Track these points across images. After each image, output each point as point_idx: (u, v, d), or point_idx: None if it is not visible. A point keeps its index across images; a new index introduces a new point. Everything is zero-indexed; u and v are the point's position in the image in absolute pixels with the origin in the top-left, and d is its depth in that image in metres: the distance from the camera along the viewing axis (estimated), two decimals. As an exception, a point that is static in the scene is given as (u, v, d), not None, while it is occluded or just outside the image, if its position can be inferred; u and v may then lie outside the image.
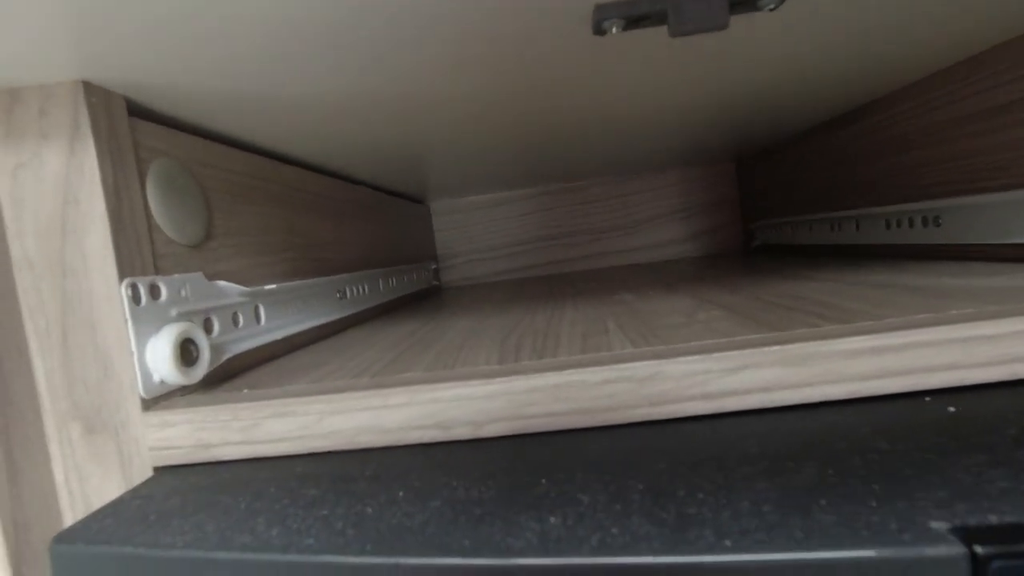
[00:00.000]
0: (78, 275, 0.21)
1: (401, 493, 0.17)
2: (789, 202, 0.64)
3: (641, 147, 0.56)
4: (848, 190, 0.51)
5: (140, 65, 0.20)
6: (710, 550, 0.12)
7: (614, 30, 0.20)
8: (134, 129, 0.23)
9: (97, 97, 0.21)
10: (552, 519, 0.14)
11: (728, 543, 0.12)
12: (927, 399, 0.19)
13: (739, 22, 0.23)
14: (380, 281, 0.52)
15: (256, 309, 0.30)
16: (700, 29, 0.19)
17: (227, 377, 0.27)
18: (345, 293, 0.43)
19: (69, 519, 0.22)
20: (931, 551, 0.11)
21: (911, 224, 0.41)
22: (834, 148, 0.52)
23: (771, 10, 0.20)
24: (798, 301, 0.29)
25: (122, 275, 0.21)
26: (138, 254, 0.22)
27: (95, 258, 0.21)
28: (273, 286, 0.31)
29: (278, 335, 0.31)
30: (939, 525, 0.12)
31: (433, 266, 0.74)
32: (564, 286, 0.56)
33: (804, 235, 0.59)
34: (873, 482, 0.14)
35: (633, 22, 0.20)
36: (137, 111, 0.24)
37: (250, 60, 0.21)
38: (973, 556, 0.11)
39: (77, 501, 0.22)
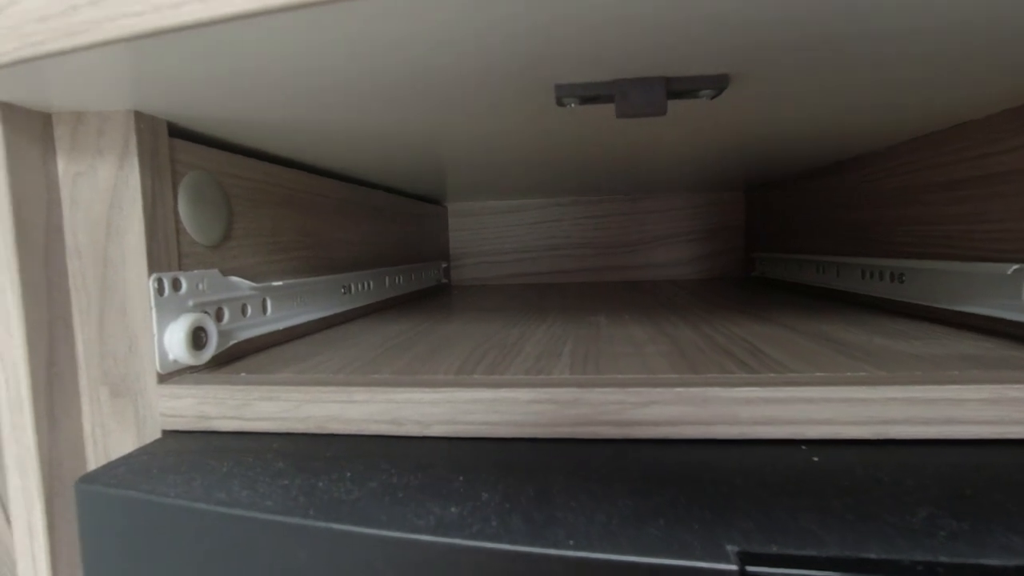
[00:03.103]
0: (116, 267, 0.26)
1: (348, 473, 0.21)
2: (786, 237, 0.66)
3: (652, 173, 0.59)
4: (834, 236, 0.53)
5: (181, 101, 0.25)
6: (554, 546, 0.16)
7: (572, 104, 0.24)
8: (172, 148, 0.28)
9: (144, 123, 0.26)
10: (453, 508, 0.18)
11: (571, 542, 0.16)
12: (804, 447, 0.22)
13: (682, 105, 0.27)
14: (387, 278, 0.57)
15: (264, 302, 0.35)
16: (641, 114, 0.22)
17: (234, 359, 0.32)
18: (350, 289, 0.48)
19: (92, 463, 0.27)
20: (708, 565, 0.14)
21: (881, 278, 0.43)
22: (824, 193, 0.55)
23: (710, 98, 0.24)
24: (738, 344, 0.32)
25: (151, 270, 0.26)
26: (166, 253, 0.27)
27: (131, 254, 0.26)
28: (280, 283, 0.36)
29: (280, 326, 0.36)
30: (732, 548, 0.15)
31: (444, 265, 0.78)
32: (556, 298, 0.59)
33: (794, 273, 0.61)
34: (710, 510, 0.17)
35: (587, 100, 0.23)
36: (176, 132, 0.28)
37: (277, 105, 0.26)
38: (744, 574, 0.14)
39: (99, 450, 0.27)
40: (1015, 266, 0.29)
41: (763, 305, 0.49)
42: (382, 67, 0.21)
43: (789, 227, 0.65)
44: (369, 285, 0.52)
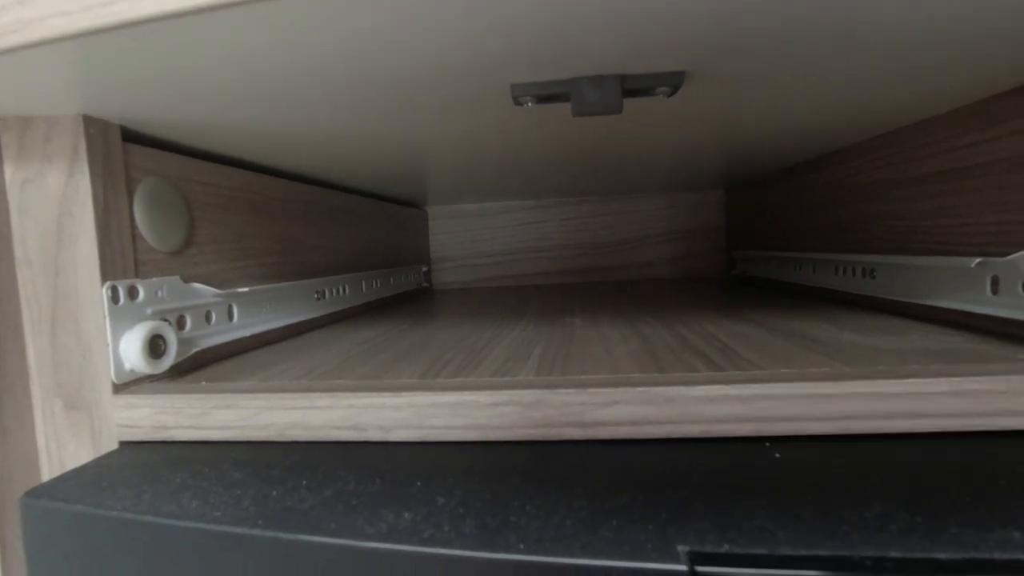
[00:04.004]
0: (68, 275, 0.25)
1: (304, 482, 0.21)
2: (765, 235, 0.66)
3: (632, 174, 0.58)
4: (811, 233, 0.53)
5: (131, 104, 0.24)
6: (504, 551, 0.15)
7: (528, 104, 0.24)
8: (127, 152, 0.27)
9: (95, 128, 0.25)
10: (407, 514, 0.18)
11: (522, 546, 0.15)
12: (768, 444, 0.22)
13: (642, 103, 0.27)
14: (363, 283, 0.56)
15: (230, 308, 0.34)
16: (597, 112, 0.22)
17: (198, 366, 0.31)
18: (324, 294, 0.47)
19: (46, 476, 0.26)
20: (657, 566, 0.14)
21: (853, 273, 0.44)
22: (801, 191, 0.55)
23: (667, 96, 0.23)
24: (710, 343, 0.32)
25: (104, 278, 0.25)
26: (121, 260, 0.26)
27: (83, 262, 0.25)
28: (246, 289, 0.35)
29: (247, 332, 0.35)
30: (683, 548, 0.15)
31: (424, 269, 0.78)
32: (536, 301, 0.59)
33: (774, 270, 0.61)
34: (667, 510, 0.17)
35: (543, 99, 0.23)
36: (133, 137, 0.28)
37: (232, 108, 0.25)
38: (693, 574, 0.14)
39: (54, 463, 0.26)
40: (978, 259, 0.29)
41: (740, 304, 0.49)
42: (326, 69, 0.21)
43: (768, 225, 0.65)
44: (344, 290, 0.51)
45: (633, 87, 0.22)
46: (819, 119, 0.34)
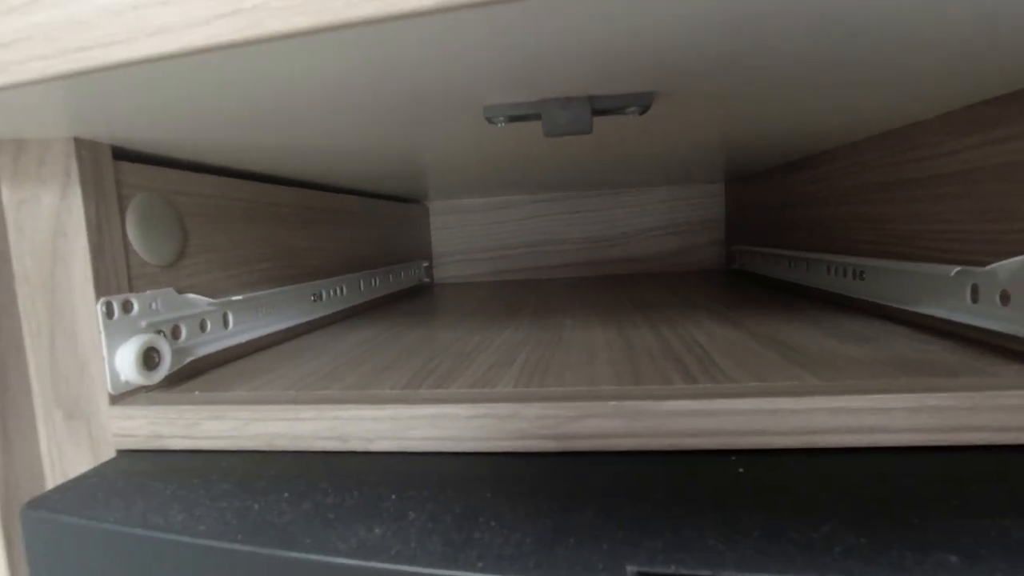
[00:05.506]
0: (64, 292, 0.26)
1: (286, 494, 0.22)
2: (762, 230, 0.66)
3: (630, 169, 0.58)
4: (805, 231, 0.53)
5: (121, 128, 0.25)
6: (464, 568, 0.16)
7: (501, 123, 0.24)
8: (118, 170, 0.28)
9: (86, 150, 0.26)
10: (377, 530, 0.19)
11: (481, 564, 0.16)
12: (733, 458, 0.23)
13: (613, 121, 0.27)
14: (361, 282, 0.57)
15: (225, 316, 0.35)
16: (568, 132, 0.23)
17: (194, 374, 0.32)
18: (321, 296, 0.48)
19: (50, 484, 0.27)
20: (603, 587, 0.15)
21: (844, 274, 0.44)
22: (796, 188, 0.55)
23: (638, 115, 0.24)
24: (691, 350, 0.32)
25: (99, 295, 0.26)
26: (114, 276, 0.27)
27: (78, 280, 0.26)
28: (240, 296, 0.36)
29: (243, 339, 0.36)
30: (632, 568, 0.16)
31: (425, 264, 0.79)
32: (532, 297, 0.60)
33: (770, 267, 0.61)
34: (624, 527, 0.18)
35: (514, 119, 0.23)
36: (123, 154, 0.29)
37: (220, 127, 0.26)
38: (638, 594, 0.15)
39: (57, 471, 0.27)
40: (957, 268, 0.30)
41: (731, 303, 0.49)
42: (312, 99, 0.22)
43: (765, 221, 0.65)
44: (342, 290, 0.52)
45: (602, 107, 0.23)
46: (797, 125, 0.34)
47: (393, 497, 0.21)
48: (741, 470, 0.22)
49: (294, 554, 0.18)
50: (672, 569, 0.16)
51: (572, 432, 0.24)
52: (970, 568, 0.15)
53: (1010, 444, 0.22)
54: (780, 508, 0.19)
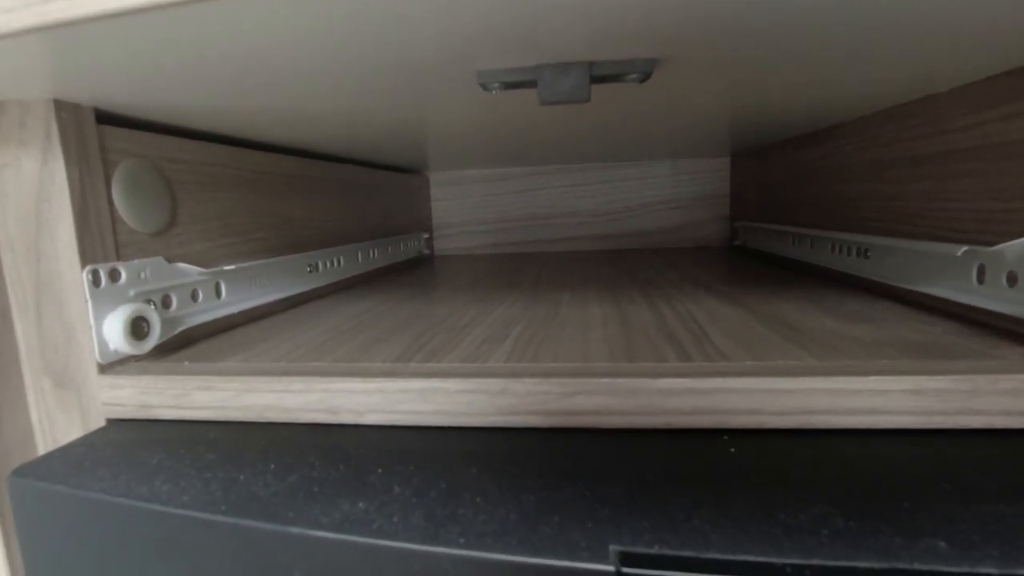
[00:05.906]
0: (49, 260, 0.26)
1: (272, 466, 0.22)
2: (766, 206, 0.65)
3: (634, 140, 0.57)
4: (808, 208, 0.52)
5: (105, 87, 0.24)
6: (444, 544, 0.16)
7: (495, 90, 0.23)
8: (102, 135, 0.27)
9: (67, 112, 0.25)
10: (361, 504, 0.19)
11: (462, 540, 0.16)
12: (725, 437, 0.22)
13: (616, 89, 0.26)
14: (359, 254, 0.56)
15: (217, 285, 0.35)
16: (564, 101, 0.22)
17: (186, 344, 0.32)
18: (317, 267, 0.48)
19: (42, 451, 0.27)
20: (585, 566, 0.15)
21: (848, 252, 0.43)
22: (800, 164, 0.53)
23: (639, 83, 0.23)
24: (687, 326, 0.32)
25: (84, 262, 0.26)
26: (101, 244, 0.27)
27: (63, 247, 0.25)
28: (232, 266, 0.36)
29: (235, 309, 0.36)
30: (615, 547, 0.16)
31: (425, 236, 0.78)
32: (531, 270, 0.59)
33: (774, 244, 0.60)
34: (610, 506, 0.18)
35: (509, 86, 0.22)
36: (107, 118, 0.28)
37: (204, 89, 0.25)
38: (620, 574, 0.15)
39: (48, 440, 0.27)
40: (964, 248, 0.29)
41: (732, 280, 0.49)
42: (295, 56, 0.21)
43: (770, 196, 0.64)
44: (340, 262, 0.52)
45: (601, 74, 0.22)
46: (806, 97, 0.33)
47: (379, 471, 0.21)
48: (732, 450, 0.21)
49: (276, 526, 0.18)
50: (656, 549, 0.15)
51: (563, 408, 0.23)
52: (960, 555, 0.15)
53: (1012, 428, 0.21)
54: (771, 489, 0.18)
